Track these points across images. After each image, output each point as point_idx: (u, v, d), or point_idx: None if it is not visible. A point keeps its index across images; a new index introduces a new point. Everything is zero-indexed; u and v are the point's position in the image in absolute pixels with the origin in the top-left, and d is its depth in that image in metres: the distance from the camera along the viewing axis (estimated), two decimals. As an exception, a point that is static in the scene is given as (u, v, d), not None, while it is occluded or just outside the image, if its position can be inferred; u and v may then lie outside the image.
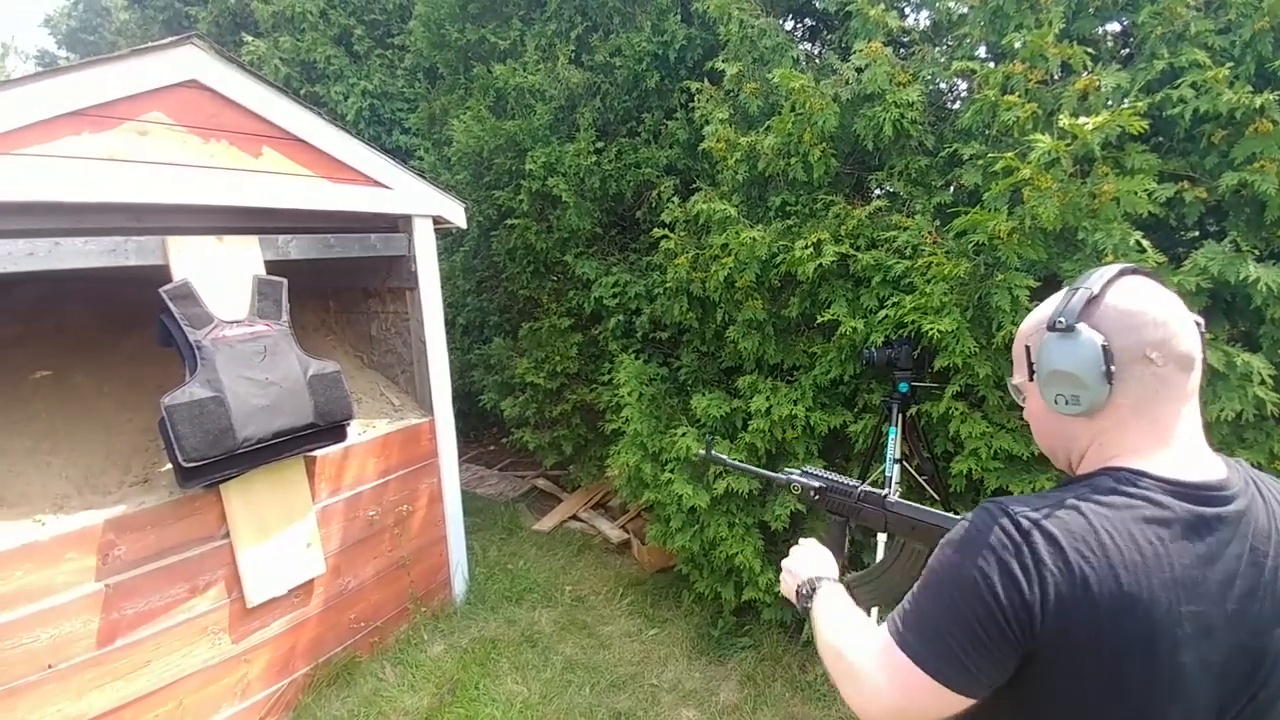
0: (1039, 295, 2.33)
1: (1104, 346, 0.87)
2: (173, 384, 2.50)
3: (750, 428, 3.21)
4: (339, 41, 6.39)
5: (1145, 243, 2.21)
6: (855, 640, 1.00)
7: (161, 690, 2.56)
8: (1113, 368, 0.87)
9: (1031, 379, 0.98)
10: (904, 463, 2.76)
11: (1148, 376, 0.88)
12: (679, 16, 3.87)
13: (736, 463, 1.85)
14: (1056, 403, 0.93)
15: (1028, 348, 0.98)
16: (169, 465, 2.60)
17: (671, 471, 3.41)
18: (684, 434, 3.37)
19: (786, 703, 3.10)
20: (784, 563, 1.36)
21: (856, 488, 1.44)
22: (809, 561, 1.31)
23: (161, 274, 2.51)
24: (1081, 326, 0.89)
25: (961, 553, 0.87)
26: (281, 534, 2.90)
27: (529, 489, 5.77)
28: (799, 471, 1.54)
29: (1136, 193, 2.20)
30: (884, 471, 2.72)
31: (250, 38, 6.66)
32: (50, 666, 2.27)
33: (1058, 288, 1.86)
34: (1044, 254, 2.35)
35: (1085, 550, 0.81)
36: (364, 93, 6.16)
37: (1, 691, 2.16)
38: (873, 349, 2.72)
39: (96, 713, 2.39)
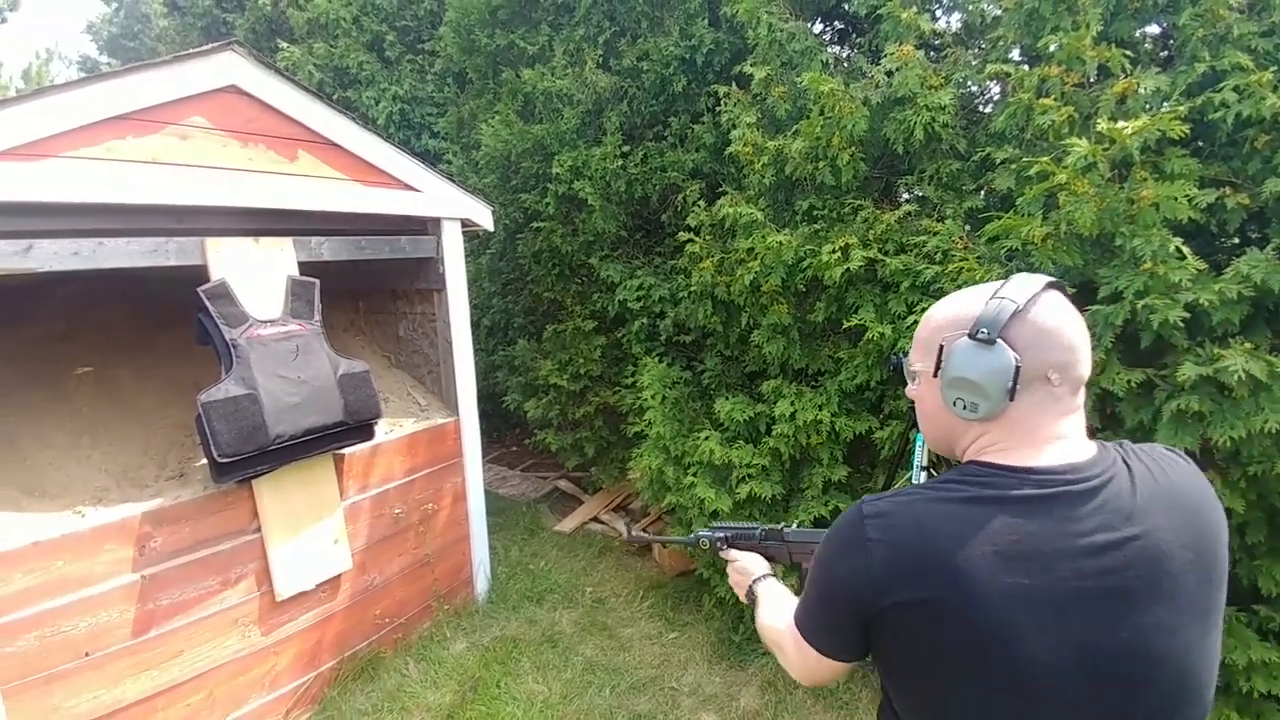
0: (1074, 302, 2.30)
1: (1016, 366, 0.89)
2: (208, 381, 2.56)
3: (774, 432, 3.20)
4: (371, 47, 6.49)
5: (1185, 249, 2.16)
6: (780, 621, 1.19)
7: (193, 680, 2.62)
8: (1017, 385, 0.90)
9: (935, 374, 0.99)
10: (931, 470, 2.73)
11: (1043, 394, 0.92)
12: (707, 20, 3.88)
13: (656, 536, 2.03)
14: (955, 405, 0.96)
15: (941, 345, 0.98)
16: (204, 460, 2.66)
17: (694, 475, 3.40)
18: (707, 437, 3.37)
19: (808, 710, 3.08)
20: (733, 569, 1.58)
21: (757, 528, 1.60)
22: (752, 566, 1.53)
23: (199, 274, 2.57)
24: (1000, 342, 0.90)
25: (824, 544, 1.01)
26: (310, 530, 2.95)
27: (551, 490, 5.80)
28: (705, 529, 1.68)
29: (1176, 198, 2.15)
30: (910, 479, 2.69)
31: (285, 44, 6.79)
32: (87, 654, 2.32)
33: (1094, 295, 1.83)
34: (1079, 260, 2.31)
35: (905, 524, 0.90)
36: (394, 97, 6.25)
37: (41, 678, 2.22)
38: (901, 355, 2.69)
39: (131, 700, 2.44)
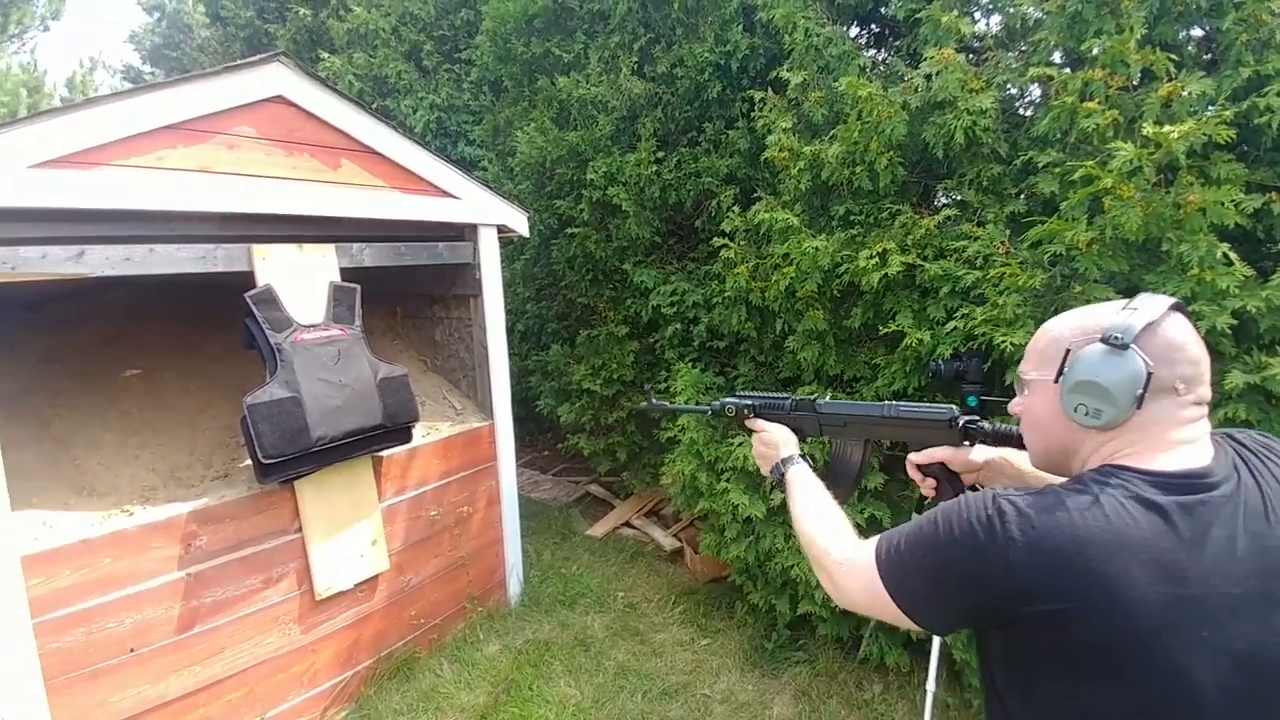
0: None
1: (1149, 373, 0.89)
2: (252, 384, 2.62)
3: (809, 439, 3.17)
4: (409, 57, 6.60)
5: (1232, 255, 2.11)
6: (837, 542, 1.15)
7: (234, 676, 2.67)
8: (1146, 393, 0.90)
9: (1056, 380, 0.98)
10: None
11: (1169, 404, 0.92)
12: (742, 26, 3.87)
13: (674, 405, 1.95)
14: (1076, 411, 0.95)
15: (1068, 350, 0.97)
16: (248, 461, 2.72)
17: (727, 481, 3.39)
18: (741, 443, 3.35)
19: (843, 720, 3.04)
20: (760, 439, 1.54)
21: (787, 399, 1.54)
22: (781, 441, 1.48)
23: (246, 280, 2.64)
24: (1134, 348, 0.90)
25: (944, 519, 0.96)
26: (349, 530, 3.00)
27: (582, 494, 5.82)
28: (732, 397, 1.61)
29: (1223, 203, 2.11)
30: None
31: (326, 54, 6.95)
32: (132, 650, 2.38)
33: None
34: (1125, 265, 2.27)
35: (1054, 528, 0.85)
36: (432, 106, 6.34)
37: (86, 673, 2.28)
38: (940, 361, 2.66)
39: (174, 696, 2.50)
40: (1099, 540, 0.83)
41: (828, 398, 1.63)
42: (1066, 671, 0.87)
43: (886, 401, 1.41)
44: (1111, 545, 0.83)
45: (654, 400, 1.92)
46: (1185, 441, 0.92)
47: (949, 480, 1.35)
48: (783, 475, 1.40)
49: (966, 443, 1.33)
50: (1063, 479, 0.99)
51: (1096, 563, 0.83)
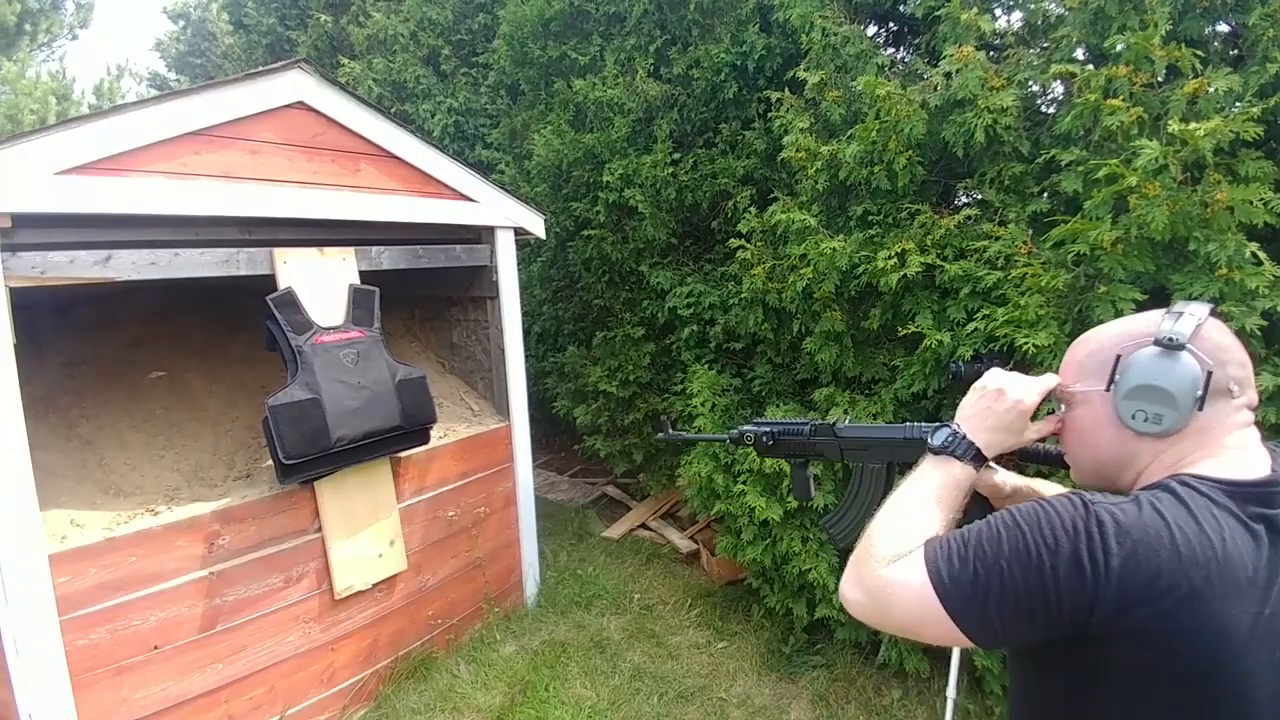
0: (1145, 309, 2.21)
1: (1208, 372, 0.88)
2: (274, 385, 2.66)
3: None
4: (427, 62, 6.65)
5: (1262, 255, 2.07)
6: (900, 548, 0.95)
7: (256, 674, 2.70)
8: (1205, 395, 0.88)
9: (1108, 389, 0.95)
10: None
11: (1225, 407, 0.91)
12: (758, 26, 3.86)
13: (692, 434, 1.90)
14: (1134, 419, 0.92)
15: (1118, 356, 0.94)
16: (269, 461, 2.75)
17: (744, 483, 3.37)
18: (758, 445, 3.33)
19: (861, 725, 3.02)
20: (997, 385, 1.27)
21: (806, 424, 1.48)
22: (1009, 421, 1.22)
23: (268, 283, 2.67)
24: (1189, 349, 0.89)
25: (1031, 525, 0.86)
26: (368, 531, 3.02)
27: (599, 496, 5.82)
28: (750, 425, 1.57)
29: (1252, 201, 2.07)
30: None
31: (346, 59, 7.03)
32: (156, 647, 2.42)
33: (1166, 301, 1.79)
34: (1151, 265, 2.23)
35: (1157, 544, 0.81)
36: (449, 110, 6.38)
37: (112, 669, 2.31)
38: (960, 363, 2.63)
39: (197, 693, 2.53)
40: (1200, 557, 0.80)
41: (845, 417, 1.60)
42: (1141, 692, 0.84)
43: (908, 423, 1.38)
44: (1212, 563, 0.79)
45: (671, 431, 1.91)
46: (1240, 447, 0.90)
47: (977, 502, 1.28)
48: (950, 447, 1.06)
49: (990, 464, 1.28)
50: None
51: (1199, 581, 0.79)
